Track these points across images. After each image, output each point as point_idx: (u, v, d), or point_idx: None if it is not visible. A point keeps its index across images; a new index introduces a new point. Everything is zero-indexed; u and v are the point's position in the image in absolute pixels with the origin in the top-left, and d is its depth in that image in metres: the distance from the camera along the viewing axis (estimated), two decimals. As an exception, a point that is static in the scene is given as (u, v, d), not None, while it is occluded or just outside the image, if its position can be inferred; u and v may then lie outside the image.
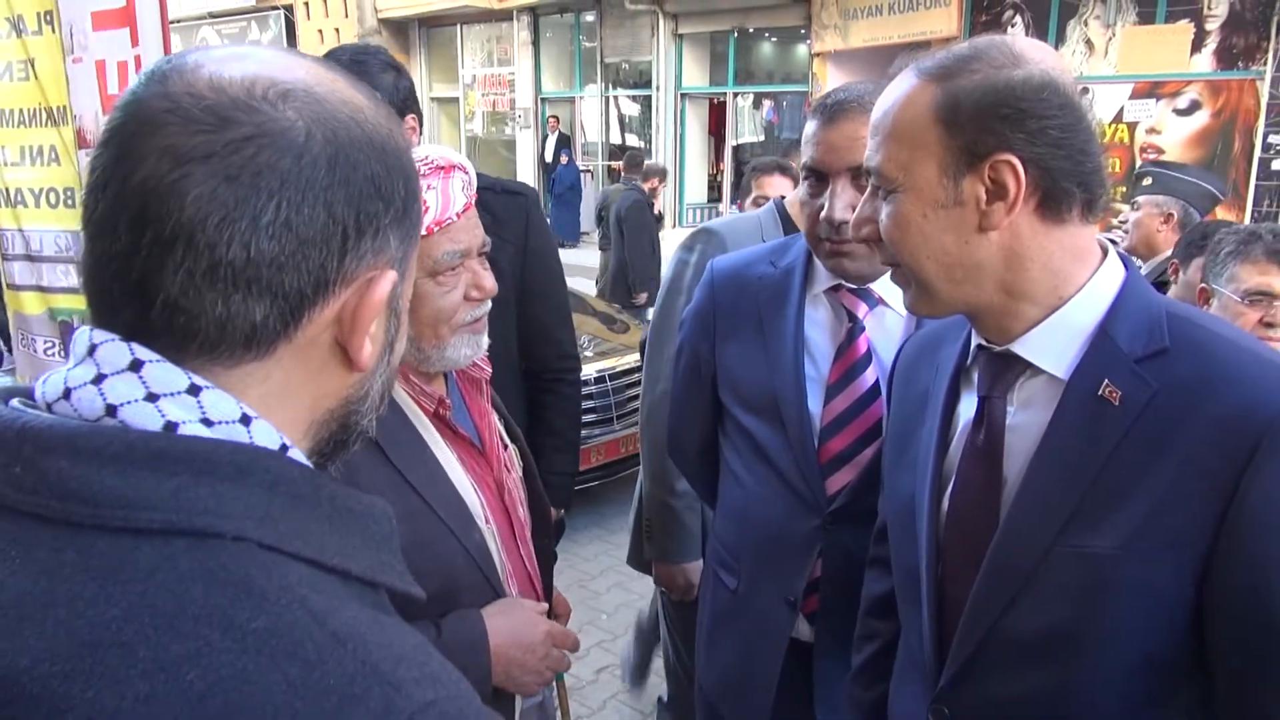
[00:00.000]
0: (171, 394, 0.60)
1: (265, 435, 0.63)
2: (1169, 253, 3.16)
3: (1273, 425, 0.93)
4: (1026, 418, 1.09)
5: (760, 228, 2.18)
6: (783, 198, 2.31)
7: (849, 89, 1.53)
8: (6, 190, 3.47)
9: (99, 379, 0.60)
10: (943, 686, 1.15)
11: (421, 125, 2.27)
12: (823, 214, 1.50)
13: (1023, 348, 1.09)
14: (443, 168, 1.36)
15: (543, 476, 1.69)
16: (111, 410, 0.59)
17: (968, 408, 1.16)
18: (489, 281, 1.40)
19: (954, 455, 1.17)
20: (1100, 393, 1.03)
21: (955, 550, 1.15)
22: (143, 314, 0.60)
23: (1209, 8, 10.03)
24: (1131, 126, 10.70)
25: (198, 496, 0.58)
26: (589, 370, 5.32)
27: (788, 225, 2.18)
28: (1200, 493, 0.96)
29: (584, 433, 5.12)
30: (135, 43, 2.90)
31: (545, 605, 1.51)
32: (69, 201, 3.32)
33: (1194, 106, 10.29)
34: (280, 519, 0.60)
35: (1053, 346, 1.07)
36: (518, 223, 2.22)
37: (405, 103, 2.12)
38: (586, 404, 5.26)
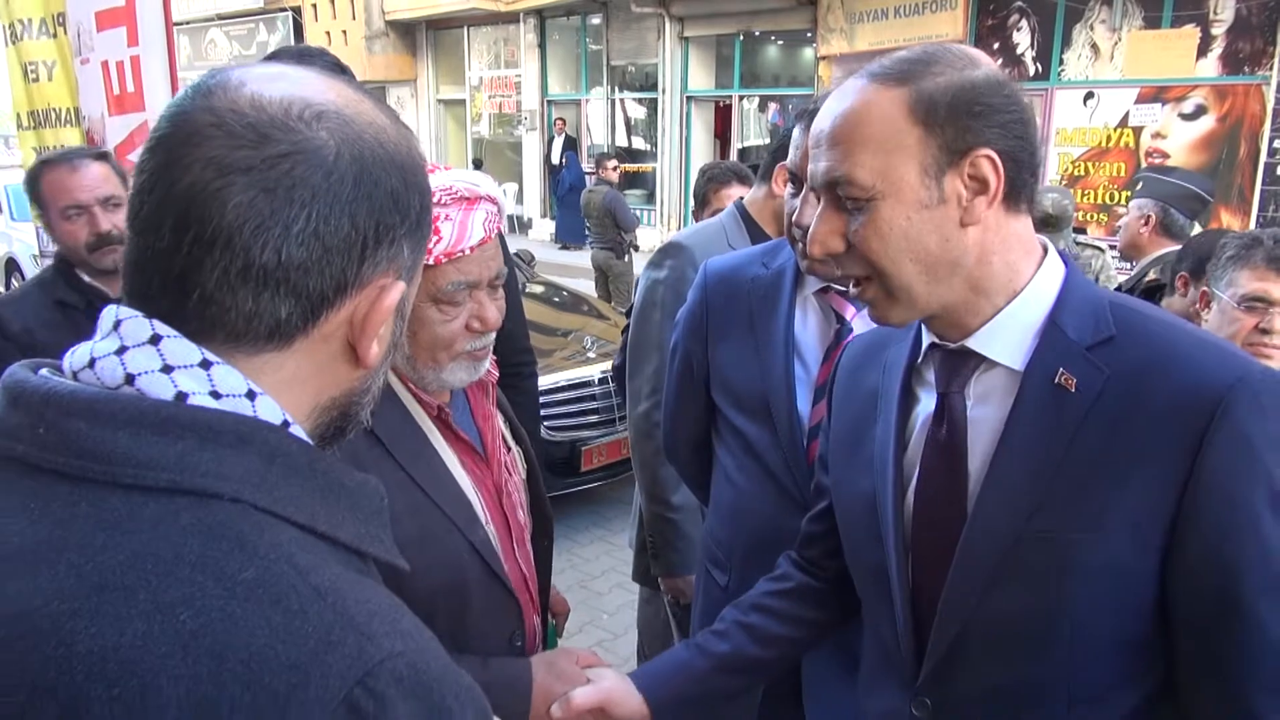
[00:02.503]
0: (185, 366, 0.66)
1: (269, 410, 0.69)
2: (1155, 254, 3.18)
3: (1222, 403, 0.98)
4: (985, 411, 1.12)
5: (724, 232, 2.21)
6: (742, 198, 2.30)
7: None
8: None
9: (121, 350, 0.67)
10: (924, 679, 1.17)
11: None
12: (794, 218, 1.53)
13: (978, 343, 1.12)
14: (467, 198, 1.35)
15: None
16: (130, 379, 0.65)
17: (924, 406, 1.19)
18: (493, 315, 1.38)
19: (913, 453, 1.19)
20: (1056, 381, 1.07)
21: (924, 544, 1.17)
22: (179, 304, 0.67)
23: (1215, 12, 10.03)
24: (1137, 131, 10.71)
25: (201, 460, 0.63)
26: (591, 371, 5.36)
27: (750, 226, 2.21)
28: (1159, 470, 1.01)
29: (586, 434, 5.19)
30: (133, 42, 2.90)
31: (590, 656, 1.50)
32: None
33: (1199, 111, 10.30)
34: (276, 485, 0.66)
35: (1007, 340, 1.11)
36: None
37: None
38: (589, 405, 5.30)
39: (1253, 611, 0.99)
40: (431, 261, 1.30)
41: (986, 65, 1.08)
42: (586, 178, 14.60)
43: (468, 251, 1.32)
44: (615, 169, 10.64)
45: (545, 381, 4.93)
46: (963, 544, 1.11)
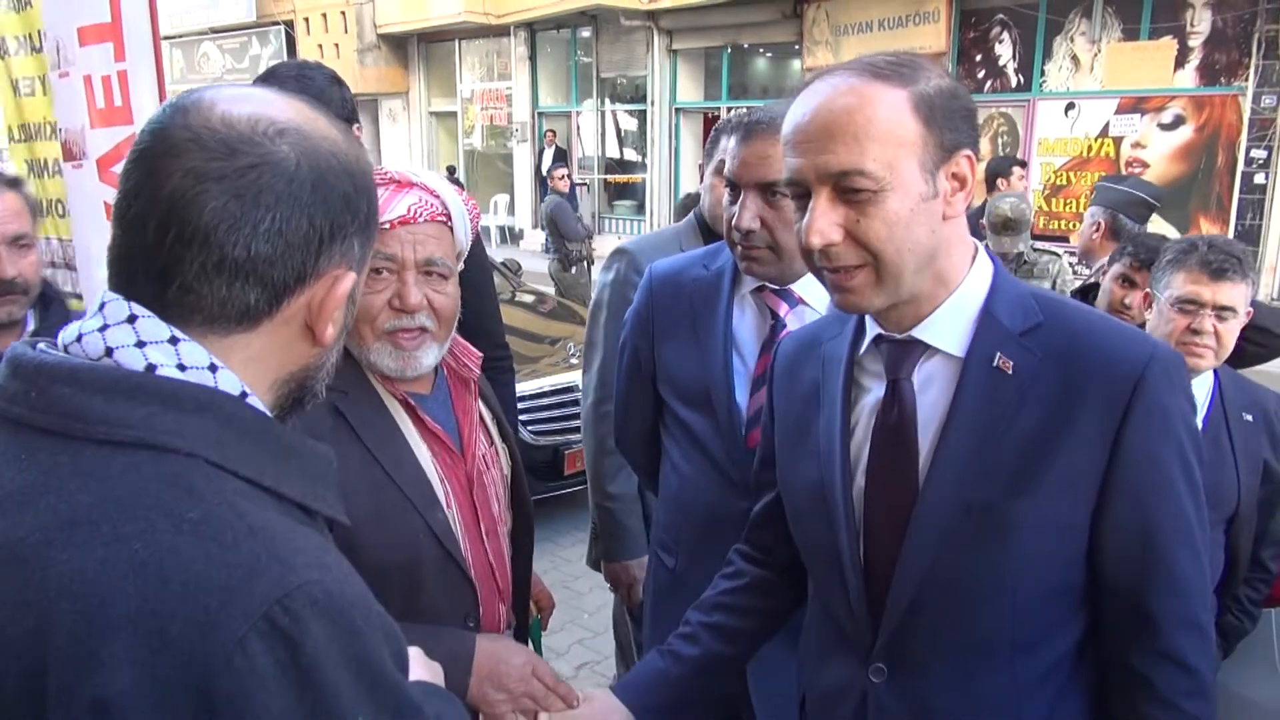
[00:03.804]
0: (155, 342, 0.78)
1: (228, 382, 0.80)
2: (1106, 257, 3.29)
3: (1142, 378, 1.12)
4: (929, 395, 1.22)
5: (679, 238, 2.33)
6: (695, 198, 2.44)
7: (765, 110, 1.67)
8: (41, 201, 3.60)
9: (103, 328, 0.78)
10: (879, 646, 1.25)
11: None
12: (732, 222, 1.64)
13: (923, 332, 1.20)
14: (399, 182, 1.45)
15: None
16: (109, 352, 0.77)
17: (871, 394, 1.26)
18: (412, 297, 1.42)
19: (860, 438, 1.26)
20: (995, 364, 1.17)
21: (876, 521, 1.25)
22: (161, 292, 0.78)
23: (1192, 25, 10.20)
24: (1117, 141, 10.87)
25: (163, 421, 0.75)
26: (575, 377, 5.43)
27: (707, 234, 2.31)
28: (1088, 437, 1.13)
29: (568, 438, 5.27)
30: (120, 57, 2.95)
31: (532, 652, 1.57)
32: (59, 211, 3.46)
33: (1178, 121, 10.46)
34: (228, 445, 0.77)
35: (949, 328, 1.20)
36: None
37: (351, 114, 2.30)
38: (572, 410, 5.38)
39: (1168, 556, 1.15)
40: None
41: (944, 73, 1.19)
42: (576, 189, 14.74)
43: (388, 225, 1.40)
44: (563, 178, 10.75)
45: (531, 387, 5.03)
46: (915, 519, 1.20)
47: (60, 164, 3.44)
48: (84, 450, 0.74)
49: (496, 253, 10.18)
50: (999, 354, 1.17)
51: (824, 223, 1.13)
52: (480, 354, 1.65)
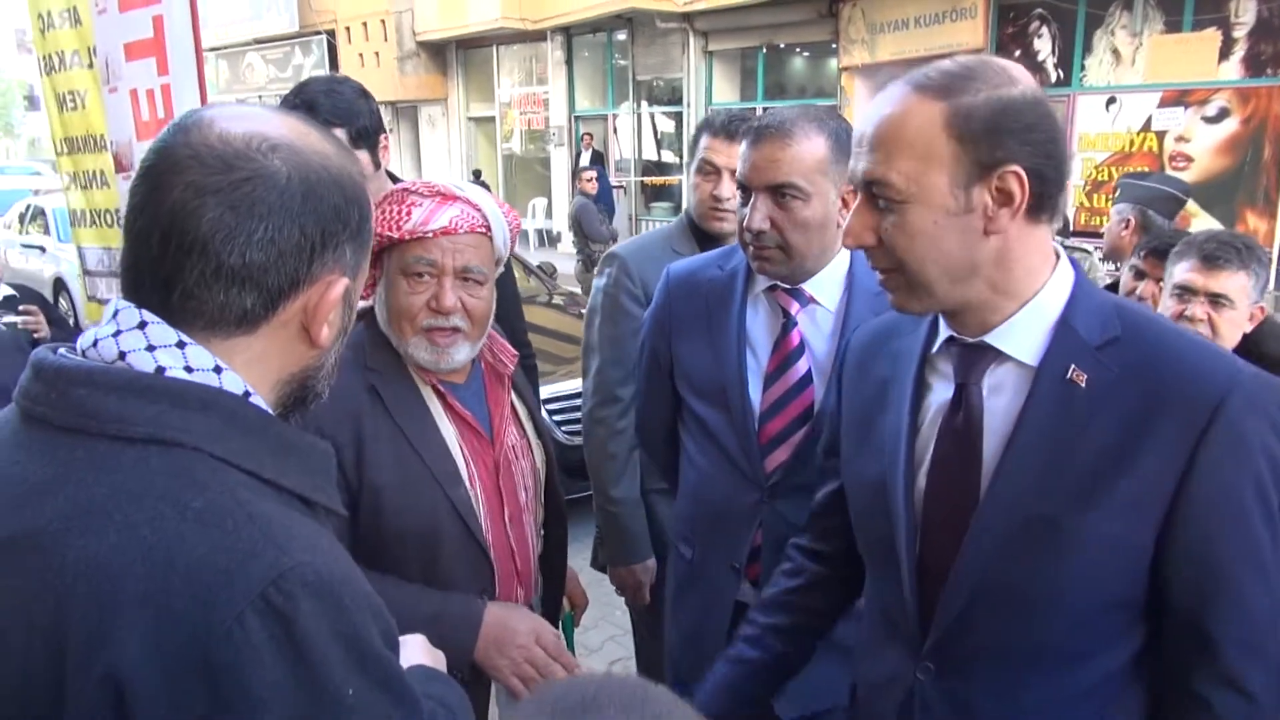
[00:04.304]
0: (164, 346, 0.84)
1: (232, 383, 0.87)
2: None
3: (1223, 403, 1.09)
4: (999, 402, 1.20)
5: (669, 239, 2.39)
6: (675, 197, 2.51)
7: (774, 115, 1.72)
8: (91, 211, 3.75)
9: (116, 334, 0.85)
10: (930, 645, 1.25)
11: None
12: (744, 223, 1.69)
13: (996, 339, 1.19)
14: (444, 195, 1.58)
15: None
16: (122, 355, 0.84)
17: (938, 394, 1.26)
18: (448, 300, 1.56)
19: (926, 437, 1.27)
20: (1068, 377, 1.15)
21: (935, 521, 1.25)
22: (166, 299, 0.85)
23: (1236, 15, 10.01)
24: (1160, 135, 10.69)
25: (171, 419, 0.82)
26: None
27: (697, 233, 2.37)
28: (1160, 459, 1.11)
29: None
30: (164, 71, 3.07)
31: (544, 621, 1.68)
32: (109, 221, 3.59)
33: (1223, 114, 10.27)
34: (231, 440, 0.84)
35: (1023, 337, 1.18)
36: None
37: (378, 125, 2.40)
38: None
39: (1235, 583, 1.12)
40: (398, 237, 1.55)
41: (1025, 83, 1.13)
42: (614, 191, 14.83)
43: (431, 234, 1.55)
44: (591, 180, 10.81)
45: (566, 388, 5.10)
46: (975, 524, 1.19)
47: (106, 176, 3.58)
48: (98, 445, 0.81)
49: (534, 256, 10.30)
50: (1073, 366, 1.15)
51: (855, 224, 1.19)
52: (517, 352, 1.78)
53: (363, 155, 2.31)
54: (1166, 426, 1.11)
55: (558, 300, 6.90)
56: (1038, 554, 1.16)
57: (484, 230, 1.62)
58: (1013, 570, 1.17)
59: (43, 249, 11.12)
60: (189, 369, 0.84)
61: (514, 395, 1.80)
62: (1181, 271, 2.15)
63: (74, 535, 0.77)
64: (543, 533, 1.84)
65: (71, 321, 6.55)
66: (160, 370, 0.83)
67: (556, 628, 1.88)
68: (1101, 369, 1.14)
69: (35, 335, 3.52)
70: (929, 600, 1.25)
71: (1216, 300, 2.11)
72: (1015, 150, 1.10)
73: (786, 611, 1.55)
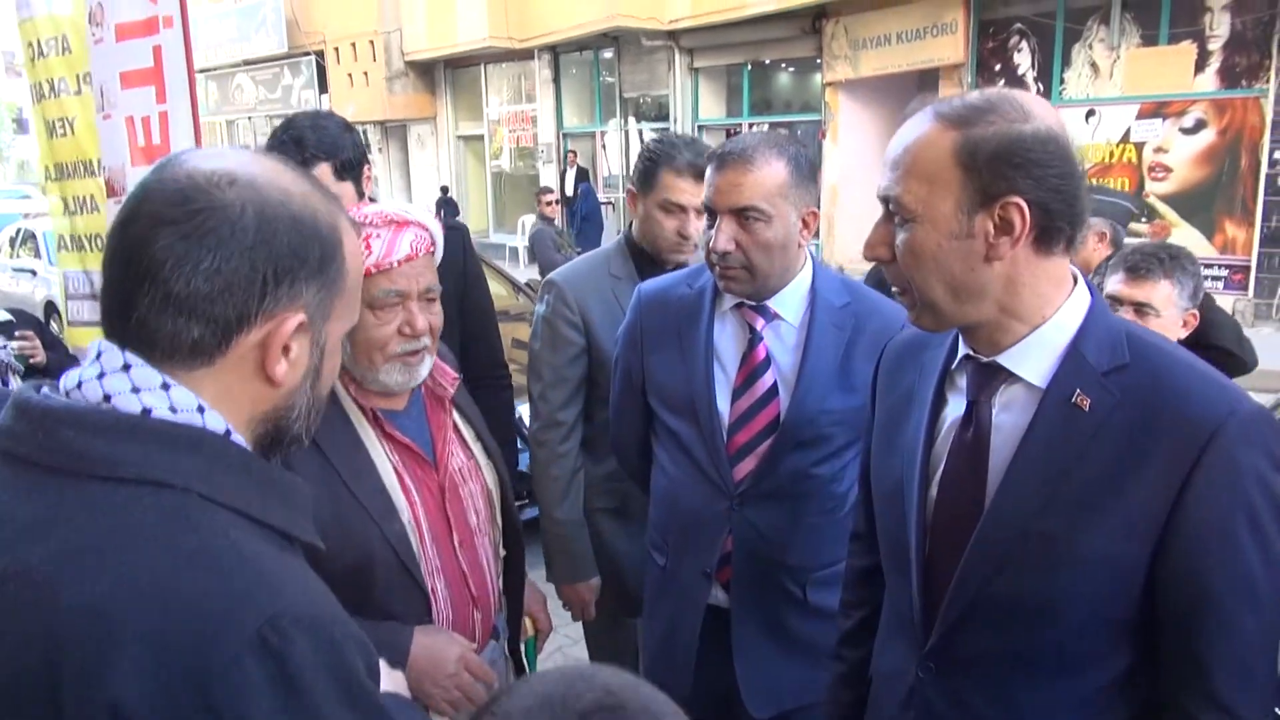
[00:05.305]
0: (149, 388, 0.86)
1: (214, 421, 0.89)
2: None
3: (1217, 432, 1.13)
4: (1007, 419, 1.26)
5: (608, 261, 2.44)
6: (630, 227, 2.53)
7: (738, 141, 1.81)
8: (73, 236, 3.82)
9: (100, 375, 0.87)
10: (931, 646, 1.32)
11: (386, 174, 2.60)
12: (710, 245, 1.79)
13: (1008, 360, 1.25)
14: (396, 221, 1.60)
15: None
16: (107, 398, 0.86)
17: (954, 408, 1.33)
18: (421, 322, 1.58)
19: (940, 448, 1.33)
20: (1073, 400, 1.20)
21: (942, 529, 1.31)
22: (125, 325, 0.87)
23: (1211, 28, 10.17)
24: (1139, 146, 10.83)
25: (160, 460, 0.84)
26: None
27: (636, 255, 2.41)
28: (1156, 483, 1.15)
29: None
30: (162, 99, 3.16)
31: (471, 644, 1.65)
32: (93, 246, 3.67)
33: (1200, 125, 10.41)
34: (218, 480, 0.86)
35: (1033, 360, 1.23)
36: (456, 253, 2.59)
37: (361, 157, 2.50)
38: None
39: (1224, 607, 1.15)
40: (363, 271, 1.50)
41: (1040, 119, 1.17)
42: (601, 208, 14.93)
43: (395, 264, 1.56)
44: (551, 203, 10.14)
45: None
46: (978, 534, 1.25)
47: (95, 201, 3.66)
48: (88, 486, 0.82)
49: (522, 273, 10.26)
50: (1078, 390, 1.20)
51: (873, 237, 1.27)
52: (457, 375, 1.76)
53: (347, 186, 2.40)
54: (1162, 452, 1.15)
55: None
56: (1035, 567, 1.21)
57: (432, 248, 1.64)
58: (1011, 581, 1.23)
59: (34, 272, 11.15)
60: (174, 409, 0.86)
61: (459, 417, 1.79)
62: (1112, 284, 2.27)
63: (69, 577, 0.78)
64: (503, 553, 1.84)
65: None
66: (146, 412, 0.85)
67: (519, 649, 1.92)
68: (1105, 394, 1.19)
69: (32, 360, 3.57)
70: (934, 603, 1.32)
71: (1141, 309, 2.21)
72: (1019, 183, 1.15)
73: (859, 643, 1.59)
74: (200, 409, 0.87)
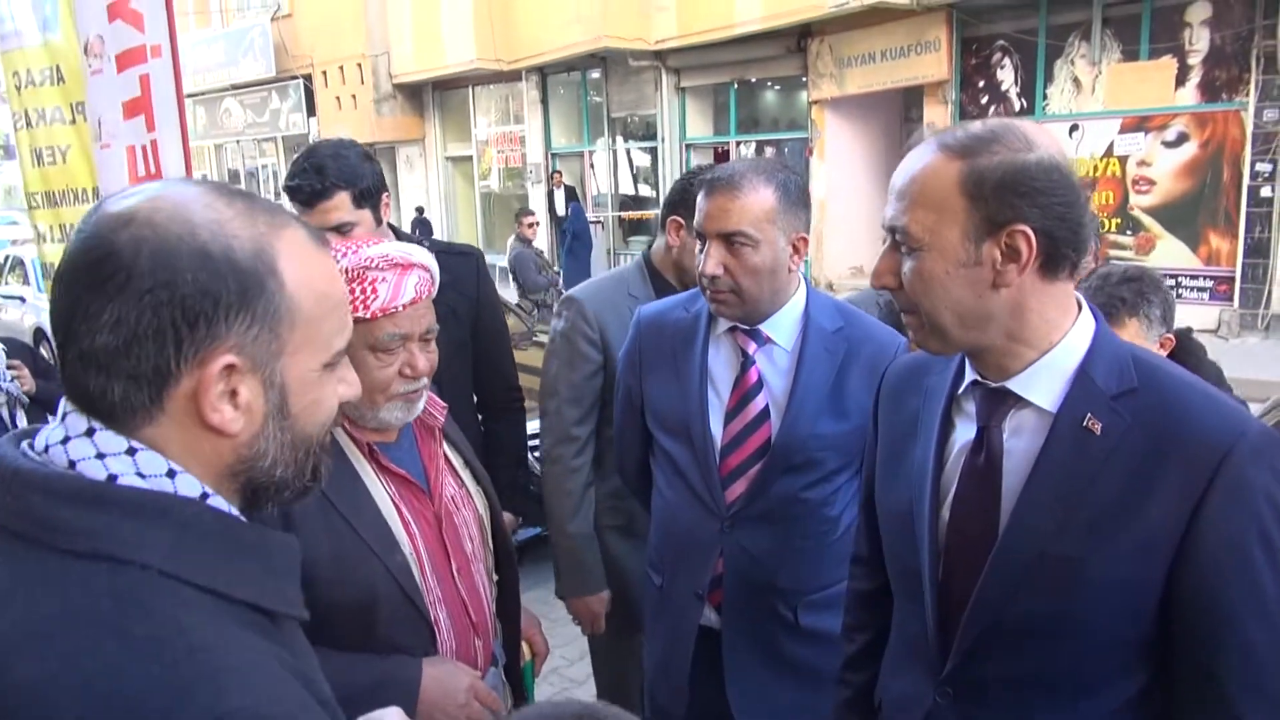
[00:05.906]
0: (115, 454, 0.81)
1: (188, 485, 0.82)
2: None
3: (1229, 454, 1.15)
4: (1018, 444, 1.27)
5: (626, 282, 2.49)
6: (649, 248, 2.58)
7: (728, 168, 1.85)
8: (55, 264, 3.83)
9: (65, 440, 0.82)
10: (948, 671, 1.32)
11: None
12: (700, 269, 1.82)
13: (1017, 385, 1.26)
14: (401, 265, 1.60)
15: (499, 489, 1.92)
16: (72, 464, 0.81)
17: (962, 433, 1.34)
18: (422, 364, 1.60)
19: (950, 474, 1.34)
20: (1084, 424, 1.21)
21: (956, 554, 1.32)
22: (63, 382, 0.83)
23: (1190, 43, 10.30)
24: (1122, 160, 10.94)
25: (122, 531, 0.78)
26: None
27: (654, 276, 2.48)
28: (1168, 506, 1.16)
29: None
30: (151, 128, 3.18)
31: (478, 673, 1.66)
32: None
33: (1182, 138, 10.53)
34: (183, 554, 0.80)
35: (1043, 384, 1.25)
36: (469, 278, 2.67)
37: (381, 184, 2.53)
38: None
39: (1239, 625, 1.17)
40: (368, 316, 1.55)
41: (1044, 148, 1.19)
42: (591, 227, 14.98)
43: (401, 309, 1.57)
44: (531, 225, 10.01)
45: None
46: (993, 559, 1.26)
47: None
48: (49, 559, 0.77)
49: (512, 293, 10.28)
50: (1089, 414, 1.21)
51: (880, 265, 1.30)
52: (445, 405, 1.78)
53: (365, 214, 2.44)
54: (1174, 475, 1.17)
55: (540, 338, 6.99)
56: (1051, 590, 1.22)
57: (433, 288, 1.66)
58: (1027, 604, 1.24)
59: (22, 299, 11.12)
60: (141, 475, 0.81)
61: (448, 446, 1.81)
62: None
63: (17, 657, 0.74)
64: (495, 578, 1.85)
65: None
66: (112, 478, 0.80)
67: (518, 674, 1.93)
68: (1116, 418, 1.21)
69: (23, 390, 3.58)
70: (949, 628, 1.32)
71: None
72: (1024, 211, 1.17)
73: (864, 666, 1.60)
74: (171, 473, 0.82)
